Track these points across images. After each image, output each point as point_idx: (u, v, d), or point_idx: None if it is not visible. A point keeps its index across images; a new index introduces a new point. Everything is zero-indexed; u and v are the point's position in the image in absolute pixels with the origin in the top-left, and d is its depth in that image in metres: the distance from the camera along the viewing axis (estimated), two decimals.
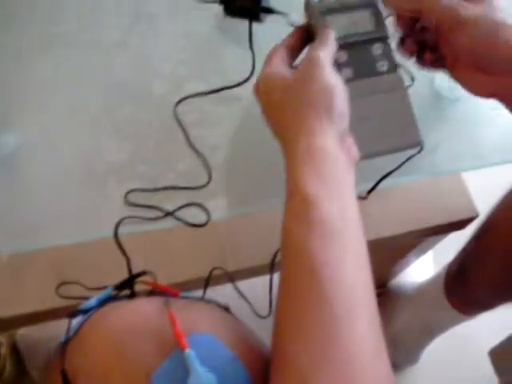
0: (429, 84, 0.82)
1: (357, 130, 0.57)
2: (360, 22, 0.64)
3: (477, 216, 0.91)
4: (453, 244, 1.04)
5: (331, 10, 0.63)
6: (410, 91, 0.73)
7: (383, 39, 0.64)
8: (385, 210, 0.85)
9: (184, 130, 0.72)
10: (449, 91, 0.82)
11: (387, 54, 0.64)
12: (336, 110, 0.55)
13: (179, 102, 0.73)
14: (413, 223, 0.87)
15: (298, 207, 0.50)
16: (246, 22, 0.77)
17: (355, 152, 0.57)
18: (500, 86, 0.60)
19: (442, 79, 0.82)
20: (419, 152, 0.73)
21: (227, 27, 0.80)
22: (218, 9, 0.78)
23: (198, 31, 0.80)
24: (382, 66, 0.64)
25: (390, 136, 0.63)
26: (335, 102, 0.55)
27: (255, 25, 0.74)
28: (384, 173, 0.72)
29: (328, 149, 0.52)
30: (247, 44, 0.77)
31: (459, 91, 0.79)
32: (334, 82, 0.56)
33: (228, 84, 0.73)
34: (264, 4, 0.75)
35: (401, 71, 0.64)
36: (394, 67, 0.64)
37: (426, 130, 0.76)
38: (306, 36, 0.64)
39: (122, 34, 0.77)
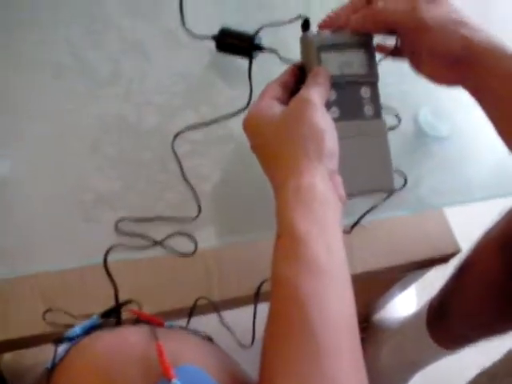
0: (413, 122, 0.85)
1: (340, 171, 0.58)
2: (354, 62, 0.65)
3: (459, 251, 0.92)
4: (436, 278, 1.05)
5: (327, 47, 0.64)
6: (396, 130, 0.75)
7: (373, 84, 0.66)
8: (369, 244, 0.86)
9: (178, 161, 0.73)
10: (432, 129, 0.84)
11: (374, 99, 0.65)
12: (326, 151, 0.56)
13: (177, 135, 0.75)
14: (396, 257, 0.88)
15: (287, 245, 0.51)
16: (237, 58, 0.79)
17: (343, 191, 0.57)
18: (462, 75, 0.63)
19: (426, 118, 0.84)
20: (402, 187, 0.76)
21: (220, 63, 0.82)
22: (211, 44, 0.80)
23: (191, 65, 0.81)
24: (368, 110, 0.65)
25: (367, 179, 0.64)
26: (325, 143, 0.56)
27: (247, 62, 0.76)
28: (367, 208, 0.74)
29: (317, 188, 0.53)
30: (239, 79, 0.79)
31: (442, 129, 0.82)
32: (325, 122, 0.57)
33: (216, 115, 0.75)
34: (256, 42, 0.77)
35: (384, 119, 0.66)
36: (379, 113, 0.65)
37: (410, 166, 0.79)
38: (300, 73, 0.65)
39: (116, 66, 0.78)
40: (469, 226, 1.01)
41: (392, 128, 0.74)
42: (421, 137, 0.84)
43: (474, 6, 0.66)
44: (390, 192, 0.67)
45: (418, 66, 0.67)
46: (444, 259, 0.93)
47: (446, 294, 1.05)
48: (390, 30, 0.65)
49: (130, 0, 0.85)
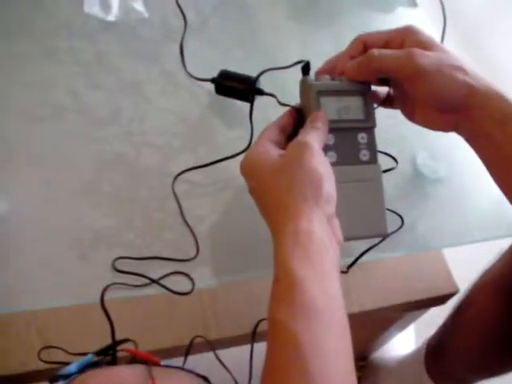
0: (411, 164, 0.86)
1: (337, 215, 0.59)
2: (352, 108, 0.66)
3: (457, 292, 0.92)
4: (434, 318, 1.05)
5: (326, 92, 0.65)
6: (394, 172, 0.76)
7: (370, 129, 0.67)
8: (367, 284, 0.86)
9: (178, 201, 0.74)
10: (430, 171, 0.85)
11: (371, 145, 0.66)
12: (324, 195, 0.56)
13: (177, 176, 0.76)
14: (393, 297, 0.88)
15: (284, 289, 0.51)
16: (236, 101, 0.80)
17: (340, 234, 0.58)
18: (458, 121, 0.65)
19: (423, 160, 0.85)
20: (399, 228, 0.76)
21: (219, 105, 0.83)
22: (211, 87, 0.82)
23: (190, 107, 0.83)
24: (365, 155, 0.66)
25: (361, 224, 0.65)
26: (323, 188, 0.56)
27: (246, 104, 0.77)
28: (364, 248, 0.74)
29: (314, 232, 0.54)
30: (237, 121, 0.81)
31: (440, 171, 0.83)
32: (323, 167, 0.58)
33: (214, 156, 0.76)
34: (255, 85, 0.79)
35: (379, 164, 0.67)
36: (374, 158, 0.66)
37: (407, 207, 0.80)
38: (298, 117, 0.66)
39: (116, 107, 0.80)
40: (467, 266, 1.01)
41: (389, 170, 0.75)
42: (418, 179, 0.85)
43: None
44: (384, 237, 0.67)
45: (412, 114, 0.68)
46: (442, 299, 0.93)
47: (444, 334, 1.05)
48: (385, 79, 0.67)
49: (131, 42, 0.87)
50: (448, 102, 0.63)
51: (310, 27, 1.00)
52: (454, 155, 0.87)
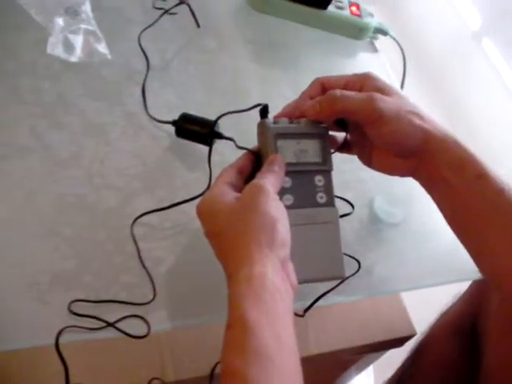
0: (368, 208, 0.88)
1: (292, 258, 0.60)
2: (309, 151, 0.67)
3: (415, 334, 0.94)
4: (394, 359, 1.06)
5: (283, 135, 0.66)
6: (351, 216, 0.78)
7: (327, 172, 0.68)
8: (324, 326, 0.87)
9: (136, 244, 0.74)
10: (387, 215, 0.87)
11: (328, 188, 0.68)
12: (277, 240, 0.57)
13: (136, 219, 0.76)
14: (351, 340, 0.89)
15: (236, 335, 0.52)
16: (196, 144, 0.81)
17: (295, 279, 0.59)
18: (415, 166, 0.67)
19: (380, 204, 0.88)
20: (356, 273, 0.78)
21: (179, 147, 0.85)
22: (172, 129, 0.84)
23: (150, 149, 0.84)
24: (322, 198, 0.67)
25: (318, 266, 0.66)
26: (277, 232, 0.57)
27: (206, 147, 0.79)
28: (321, 291, 0.76)
29: (268, 278, 0.54)
30: (197, 163, 0.82)
31: (397, 216, 0.85)
32: (277, 211, 0.59)
33: (173, 199, 0.77)
34: (214, 129, 0.80)
35: (336, 207, 0.68)
36: (331, 201, 0.68)
37: (364, 251, 0.82)
38: (256, 159, 0.67)
39: (77, 148, 0.81)
40: (424, 308, 1.03)
41: (346, 215, 0.77)
42: (375, 223, 0.87)
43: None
44: (341, 279, 0.68)
45: (369, 159, 0.70)
46: (400, 342, 0.94)
47: (401, 377, 1.06)
48: (342, 123, 0.69)
49: (94, 83, 0.88)
50: (406, 147, 0.65)
51: (270, 71, 1.03)
52: (410, 200, 0.89)
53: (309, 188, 0.67)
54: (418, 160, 0.66)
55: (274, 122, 0.67)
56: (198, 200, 0.64)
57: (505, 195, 0.63)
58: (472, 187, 0.64)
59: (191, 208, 0.66)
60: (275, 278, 0.55)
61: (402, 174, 0.69)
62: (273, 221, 0.58)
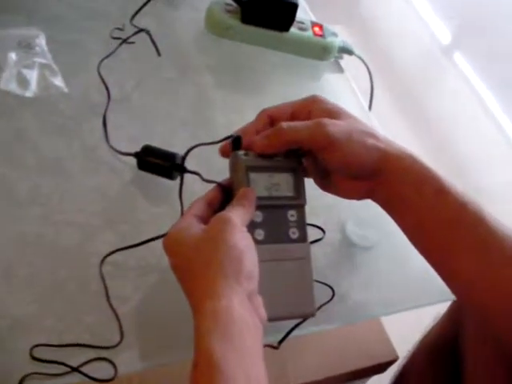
0: (340, 233, 0.88)
1: (262, 293, 0.59)
2: (282, 185, 0.67)
3: (396, 359, 0.93)
4: None
5: (255, 168, 0.66)
6: (323, 241, 0.77)
7: (300, 207, 0.68)
8: (302, 356, 0.87)
9: (104, 283, 0.73)
10: (359, 239, 0.87)
11: (300, 223, 0.67)
12: (244, 272, 0.57)
13: (105, 258, 0.75)
14: (331, 369, 0.89)
15: (202, 373, 0.51)
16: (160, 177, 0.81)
17: (263, 312, 0.58)
18: (372, 187, 0.67)
19: (352, 228, 0.88)
20: (330, 300, 0.77)
21: (142, 180, 0.84)
22: (134, 162, 0.83)
23: (111, 183, 0.83)
24: (294, 233, 0.66)
25: (288, 303, 0.65)
26: (244, 264, 0.57)
27: (169, 181, 0.78)
28: (295, 322, 0.75)
29: (234, 311, 0.54)
30: (161, 197, 0.82)
31: (369, 239, 0.85)
32: (244, 244, 0.58)
33: (140, 237, 0.76)
34: (177, 161, 0.80)
35: (308, 243, 0.67)
36: (304, 237, 0.67)
37: (337, 277, 0.81)
38: (226, 192, 0.67)
39: (34, 185, 0.80)
40: (406, 330, 1.03)
41: (317, 240, 0.76)
42: (348, 247, 0.87)
43: None
44: (312, 317, 0.68)
45: (325, 183, 0.70)
46: (381, 367, 0.94)
47: None
48: (295, 150, 0.68)
49: (50, 117, 0.88)
50: (361, 169, 0.65)
51: (234, 97, 1.03)
52: (382, 222, 0.88)
53: (281, 223, 0.66)
54: (376, 181, 0.66)
55: (246, 154, 0.66)
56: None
57: (468, 208, 0.63)
58: (432, 203, 0.64)
59: (158, 244, 0.66)
60: (242, 311, 0.55)
61: (360, 197, 0.69)
62: (239, 253, 0.57)
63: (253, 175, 0.65)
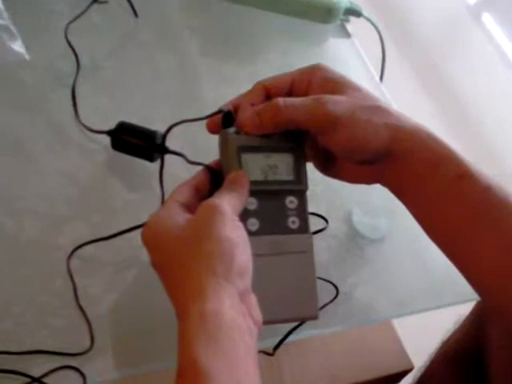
0: (346, 223, 0.88)
1: (257, 292, 0.59)
2: (280, 167, 0.66)
3: (412, 368, 0.93)
4: None
5: (249, 148, 0.65)
6: (326, 232, 0.77)
7: (300, 192, 0.67)
8: (302, 364, 0.86)
9: (73, 281, 0.73)
10: (368, 230, 0.87)
11: (301, 211, 0.67)
12: (235, 268, 0.56)
13: (74, 251, 0.75)
14: (336, 379, 0.88)
15: (189, 382, 0.51)
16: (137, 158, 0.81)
17: (258, 314, 0.58)
18: (382, 171, 0.66)
19: (360, 217, 0.88)
20: (334, 299, 0.77)
21: (117, 162, 0.84)
22: (108, 141, 0.82)
23: (82, 166, 0.83)
24: (293, 223, 0.66)
25: (287, 304, 0.65)
26: (235, 259, 0.56)
27: (149, 163, 0.78)
28: (293, 324, 0.75)
29: (224, 313, 0.54)
30: (139, 182, 0.82)
31: (379, 229, 0.85)
32: (235, 235, 0.58)
33: (114, 227, 0.76)
34: (158, 141, 0.79)
35: (311, 234, 0.67)
36: (305, 227, 0.67)
37: (342, 273, 0.82)
38: (216, 175, 0.67)
39: None
40: (422, 337, 1.03)
41: (319, 231, 0.76)
42: (354, 239, 0.87)
43: None
44: (314, 320, 0.67)
45: (327, 167, 0.70)
46: (395, 378, 0.94)
47: None
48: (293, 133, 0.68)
49: (10, 89, 0.87)
50: (368, 151, 0.64)
51: (225, 67, 1.03)
52: (394, 209, 0.89)
53: (278, 211, 0.66)
54: (385, 163, 0.65)
55: (238, 132, 0.66)
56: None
57: (492, 193, 0.62)
58: (452, 188, 0.63)
59: (136, 236, 0.65)
60: (233, 313, 0.54)
61: (368, 182, 0.69)
62: (230, 246, 0.57)
63: (246, 156, 0.65)
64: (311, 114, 0.63)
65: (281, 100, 0.64)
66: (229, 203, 0.60)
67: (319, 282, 0.67)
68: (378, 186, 0.70)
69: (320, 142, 0.66)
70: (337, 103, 0.63)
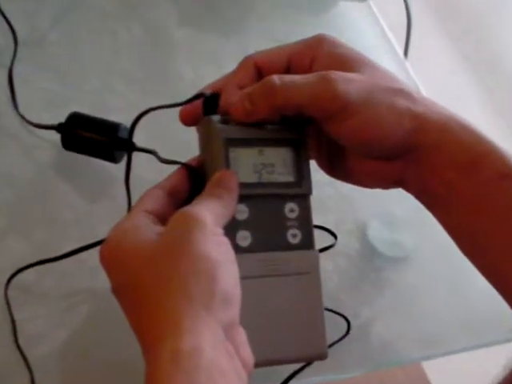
0: (360, 236, 0.89)
1: (247, 325, 0.59)
2: (276, 166, 0.67)
3: None
4: None
5: (238, 141, 0.65)
6: (335, 250, 0.78)
7: (303, 197, 0.67)
8: None
9: (10, 314, 0.74)
10: (387, 247, 0.89)
11: (304, 221, 0.67)
12: (218, 295, 0.56)
13: (12, 277, 0.76)
14: None
15: None
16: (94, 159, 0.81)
17: (249, 353, 0.58)
18: (403, 172, 0.67)
19: (377, 231, 0.89)
20: (345, 336, 0.78)
21: (67, 163, 0.85)
22: (57, 137, 0.83)
23: (23, 167, 0.84)
24: (294, 236, 0.66)
25: (287, 340, 0.65)
26: (217, 283, 0.56)
27: (110, 165, 0.79)
28: (293, 367, 0.75)
29: (204, 352, 0.53)
30: (96, 188, 0.83)
31: (402, 246, 0.86)
32: (218, 252, 0.58)
33: (64, 245, 0.76)
34: (121, 135, 0.80)
35: (316, 251, 0.67)
36: (309, 241, 0.67)
37: (355, 303, 0.83)
38: (196, 177, 0.67)
39: None
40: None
41: (326, 248, 0.77)
42: (370, 259, 0.89)
43: None
44: (322, 359, 0.66)
45: (335, 166, 0.71)
46: None
47: None
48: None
49: None
50: (387, 144, 0.65)
51: (206, 38, 1.04)
52: (421, 220, 0.88)
53: (275, 221, 0.66)
54: (409, 162, 0.66)
55: (224, 121, 0.66)
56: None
57: None
58: (493, 192, 0.64)
59: (93, 256, 0.65)
60: (215, 352, 0.54)
61: (387, 185, 0.70)
62: (211, 266, 0.57)
63: (234, 151, 0.65)
64: (316, 96, 0.63)
65: (276, 78, 0.64)
66: (211, 212, 0.60)
67: (327, 314, 0.67)
68: (399, 192, 0.70)
69: (326, 131, 0.66)
70: (349, 82, 0.63)
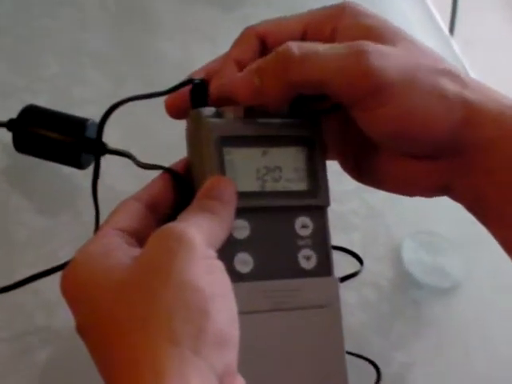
0: (392, 261, 0.89)
1: (247, 373, 0.58)
2: (284, 170, 0.66)
3: None
4: None
5: (236, 139, 0.65)
6: (361, 278, 0.78)
7: (317, 211, 0.66)
8: None
9: None
10: (428, 275, 0.88)
11: (319, 240, 0.66)
12: (209, 336, 0.56)
13: None
14: None
15: None
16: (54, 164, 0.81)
17: None
18: (449, 175, 0.66)
19: (415, 254, 0.89)
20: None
21: (21, 169, 0.86)
22: (8, 137, 0.83)
23: None
24: (308, 259, 0.65)
25: None
26: (209, 320, 0.56)
27: (75, 171, 0.80)
28: None
29: None
30: (56, 200, 0.83)
31: (446, 274, 0.86)
32: (210, 282, 0.57)
33: (14, 271, 0.77)
34: (89, 134, 0.80)
35: (336, 278, 0.66)
36: (326, 266, 0.66)
37: (386, 346, 0.83)
38: (181, 185, 0.66)
39: None
40: None
41: (351, 276, 0.77)
42: (406, 290, 0.88)
43: None
44: None
45: (363, 167, 0.70)
46: None
47: None
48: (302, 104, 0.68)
49: None
50: (432, 140, 0.64)
51: (196, 7, 1.05)
52: (474, 241, 0.89)
53: (284, 241, 0.65)
54: (456, 162, 0.65)
55: (218, 114, 0.65)
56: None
57: None
58: None
59: (52, 284, 0.65)
60: None
61: (428, 193, 0.69)
62: (201, 299, 0.56)
63: (231, 153, 0.64)
64: (344, 72, 0.61)
65: (295, 46, 0.62)
66: (201, 230, 0.59)
67: (350, 360, 0.67)
68: (445, 202, 0.70)
69: (356, 120, 0.64)
70: (387, 56, 0.62)
